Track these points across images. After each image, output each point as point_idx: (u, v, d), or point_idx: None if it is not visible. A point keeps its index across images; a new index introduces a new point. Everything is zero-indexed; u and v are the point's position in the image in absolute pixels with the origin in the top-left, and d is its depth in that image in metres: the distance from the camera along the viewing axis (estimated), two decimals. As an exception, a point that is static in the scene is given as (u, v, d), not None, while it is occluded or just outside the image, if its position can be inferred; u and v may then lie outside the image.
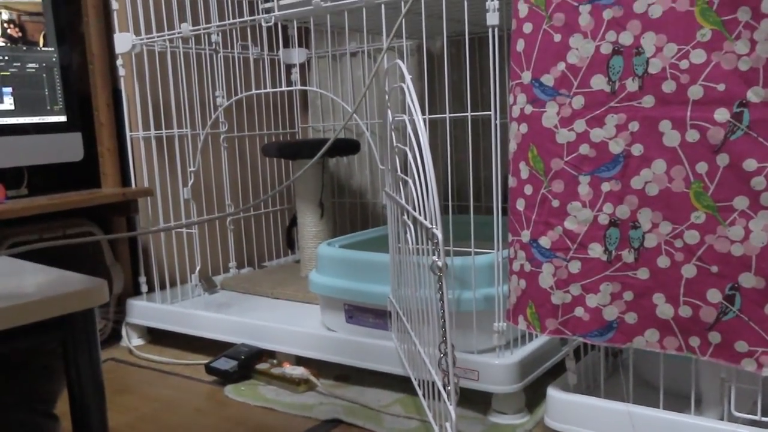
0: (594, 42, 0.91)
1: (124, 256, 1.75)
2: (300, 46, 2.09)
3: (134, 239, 1.75)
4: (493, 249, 1.18)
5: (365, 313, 1.35)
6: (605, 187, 0.93)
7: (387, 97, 1.09)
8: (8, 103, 1.57)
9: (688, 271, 0.89)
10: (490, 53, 1.10)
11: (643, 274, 0.92)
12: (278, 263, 2.08)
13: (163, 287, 1.73)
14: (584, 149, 0.93)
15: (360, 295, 1.34)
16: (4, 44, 1.56)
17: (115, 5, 1.63)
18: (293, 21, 1.52)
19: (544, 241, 0.98)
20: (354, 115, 1.59)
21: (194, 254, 1.71)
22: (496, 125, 1.13)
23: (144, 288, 1.69)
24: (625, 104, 0.90)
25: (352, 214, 2.12)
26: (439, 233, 0.71)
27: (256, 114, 2.01)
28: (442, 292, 0.73)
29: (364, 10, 1.28)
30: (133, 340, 1.69)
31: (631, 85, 0.89)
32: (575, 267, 0.96)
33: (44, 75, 1.63)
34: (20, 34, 1.59)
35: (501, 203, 1.14)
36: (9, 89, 1.57)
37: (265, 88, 1.98)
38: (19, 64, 1.58)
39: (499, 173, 1.14)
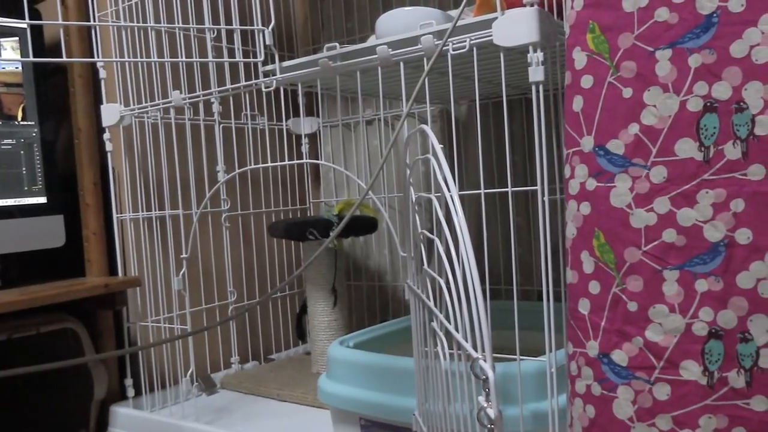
0: (678, 97, 0.70)
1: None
2: (310, 114, 1.92)
3: (120, 335, 1.53)
4: (543, 352, 0.95)
5: (386, 431, 1.11)
6: (701, 285, 0.70)
7: (408, 171, 0.88)
8: (-22, 184, 1.39)
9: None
10: (535, 116, 0.90)
11: (759, 404, 0.68)
12: (287, 355, 1.84)
13: (152, 389, 1.50)
14: (669, 236, 0.71)
15: (379, 408, 1.10)
16: (-24, 119, 1.39)
17: (102, 74, 1.46)
18: (299, 85, 1.33)
19: (619, 357, 0.74)
20: (369, 191, 1.39)
21: (188, 352, 1.48)
22: (543, 202, 0.92)
23: (130, 392, 1.46)
24: (725, 176, 0.68)
25: (370, 299, 1.89)
26: (490, 371, 0.49)
27: (262, 189, 1.82)
28: (495, 454, 0.50)
29: (379, 69, 1.09)
30: (116, 455, 1.45)
31: (732, 151, 0.68)
32: (663, 392, 0.72)
33: (22, 152, 1.45)
34: (-4, 108, 1.42)
35: (551, 287, 0.92)
36: (-19, 168, 1.39)
37: (273, 161, 1.80)
38: (-7, 140, 1.41)
39: (549, 255, 0.92)
